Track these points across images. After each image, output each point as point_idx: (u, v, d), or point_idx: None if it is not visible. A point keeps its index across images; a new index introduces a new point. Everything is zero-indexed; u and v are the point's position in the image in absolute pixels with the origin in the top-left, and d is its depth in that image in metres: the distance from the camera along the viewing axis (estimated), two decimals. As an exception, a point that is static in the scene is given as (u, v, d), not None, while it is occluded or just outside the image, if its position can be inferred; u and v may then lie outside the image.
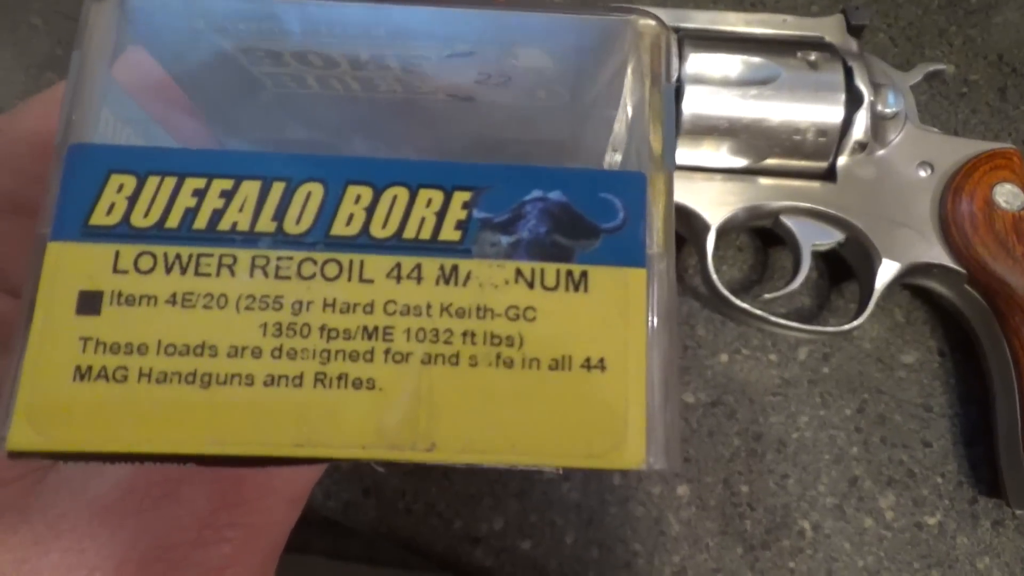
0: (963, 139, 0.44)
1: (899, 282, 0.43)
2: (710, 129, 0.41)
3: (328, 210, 0.16)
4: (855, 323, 0.42)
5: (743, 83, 0.41)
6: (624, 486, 0.41)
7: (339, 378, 0.15)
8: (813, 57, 0.42)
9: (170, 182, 0.16)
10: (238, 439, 0.15)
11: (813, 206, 0.42)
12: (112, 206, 0.15)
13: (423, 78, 0.17)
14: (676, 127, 0.41)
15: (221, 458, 0.15)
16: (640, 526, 0.41)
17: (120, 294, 0.15)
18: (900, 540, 0.41)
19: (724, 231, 0.42)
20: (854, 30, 0.44)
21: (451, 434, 0.15)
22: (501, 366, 0.15)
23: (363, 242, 0.16)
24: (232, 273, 0.15)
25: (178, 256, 0.15)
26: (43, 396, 0.15)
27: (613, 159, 0.17)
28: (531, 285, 0.15)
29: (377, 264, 0.16)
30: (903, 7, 0.53)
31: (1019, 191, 0.42)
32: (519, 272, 0.16)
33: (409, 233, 0.16)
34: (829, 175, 0.42)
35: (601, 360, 0.15)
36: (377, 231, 0.16)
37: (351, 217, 0.16)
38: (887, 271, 0.41)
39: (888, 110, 0.42)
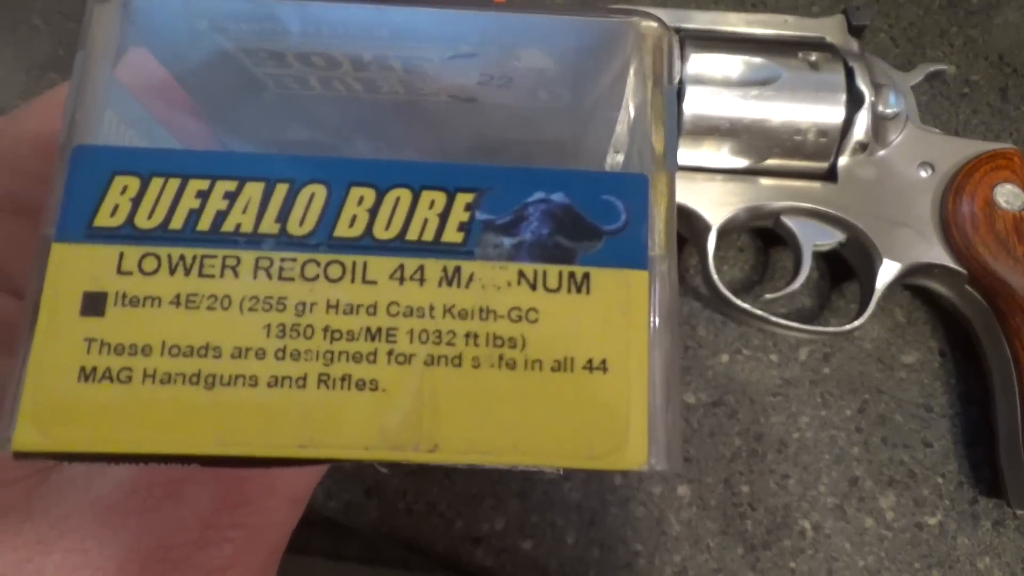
0: (964, 139, 0.44)
1: (900, 282, 0.43)
2: (711, 129, 0.41)
3: (331, 212, 0.16)
4: (856, 323, 0.42)
5: (744, 83, 0.41)
6: (625, 486, 0.41)
7: (342, 379, 0.15)
8: (814, 57, 0.42)
9: (174, 183, 0.16)
10: (242, 440, 0.15)
11: (814, 206, 0.42)
12: (116, 207, 0.15)
13: (425, 79, 0.18)
14: (677, 128, 0.41)
15: (225, 459, 0.15)
16: (641, 526, 0.41)
17: (124, 295, 0.15)
18: (901, 540, 0.41)
19: (725, 231, 0.43)
20: (855, 30, 0.44)
21: (454, 435, 0.15)
22: (503, 367, 0.15)
23: (366, 243, 0.16)
24: (236, 274, 0.15)
25: (182, 257, 0.15)
26: (48, 397, 0.15)
27: (615, 160, 0.17)
28: (533, 287, 0.16)
29: (380, 265, 0.16)
30: (904, 7, 0.53)
31: (1020, 191, 0.42)
32: (521, 274, 0.16)
33: (412, 235, 0.16)
34: (830, 175, 0.42)
35: (603, 361, 0.15)
36: (380, 233, 0.16)
37: (354, 219, 0.16)
38: (888, 271, 0.41)
39: (889, 110, 0.42)
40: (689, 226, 0.43)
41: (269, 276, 0.15)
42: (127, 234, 0.15)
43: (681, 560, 0.40)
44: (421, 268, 0.16)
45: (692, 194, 0.42)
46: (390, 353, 0.15)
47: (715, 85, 0.41)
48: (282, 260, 0.15)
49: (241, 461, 0.15)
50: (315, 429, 0.15)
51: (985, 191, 0.41)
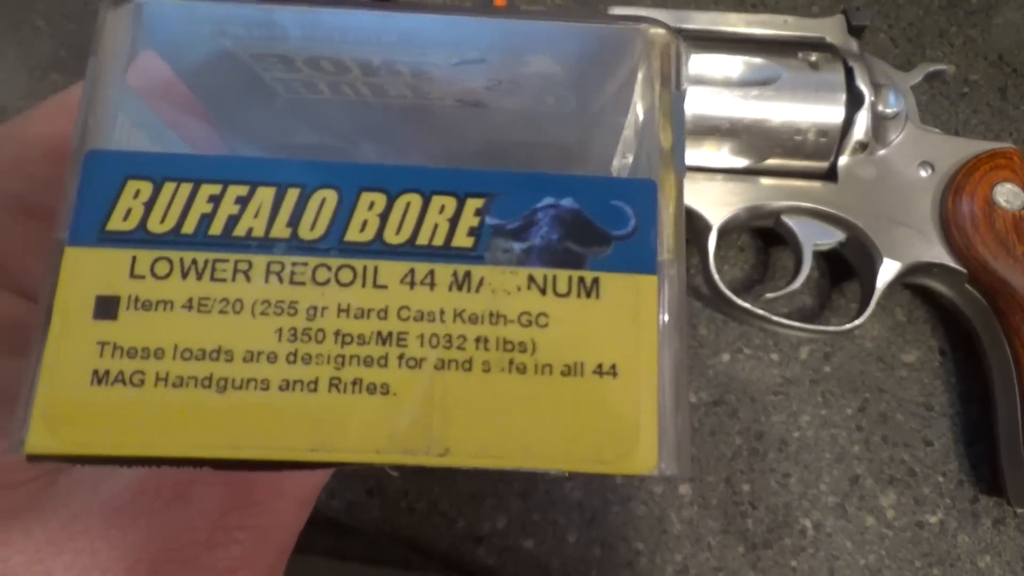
0: (964, 139, 0.44)
1: (900, 281, 0.43)
2: (711, 129, 0.41)
3: (342, 216, 0.16)
4: (856, 322, 0.42)
5: (744, 84, 0.41)
6: (626, 485, 0.41)
7: (353, 383, 0.15)
8: (814, 58, 0.42)
9: (186, 188, 0.16)
10: (253, 443, 0.15)
11: (814, 206, 0.42)
12: (129, 212, 0.16)
13: (433, 84, 0.18)
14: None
15: (236, 462, 0.15)
16: (642, 525, 0.41)
17: (137, 299, 0.15)
18: (901, 539, 0.41)
19: (726, 231, 0.43)
20: (855, 31, 0.44)
21: (464, 439, 0.15)
22: (514, 372, 0.15)
23: (377, 248, 0.16)
24: (248, 278, 0.15)
25: (194, 261, 0.15)
26: (61, 400, 0.15)
27: (622, 165, 0.17)
28: (543, 292, 0.16)
29: (391, 270, 0.16)
30: (904, 8, 0.53)
31: (1019, 191, 0.42)
32: (531, 279, 0.16)
33: (422, 239, 0.16)
34: (830, 175, 0.42)
35: (613, 366, 0.15)
36: (391, 237, 0.16)
37: (365, 223, 0.16)
38: (888, 270, 0.41)
39: (889, 110, 0.42)
40: (690, 226, 0.43)
41: (280, 280, 0.15)
42: (140, 238, 0.15)
43: (682, 559, 0.40)
44: (431, 272, 0.16)
45: (693, 194, 0.42)
46: (401, 357, 0.15)
47: (715, 85, 0.41)
48: (293, 264, 0.16)
49: (252, 464, 0.15)
50: (326, 433, 0.15)
51: (985, 190, 0.42)
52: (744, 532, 0.41)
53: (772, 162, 0.42)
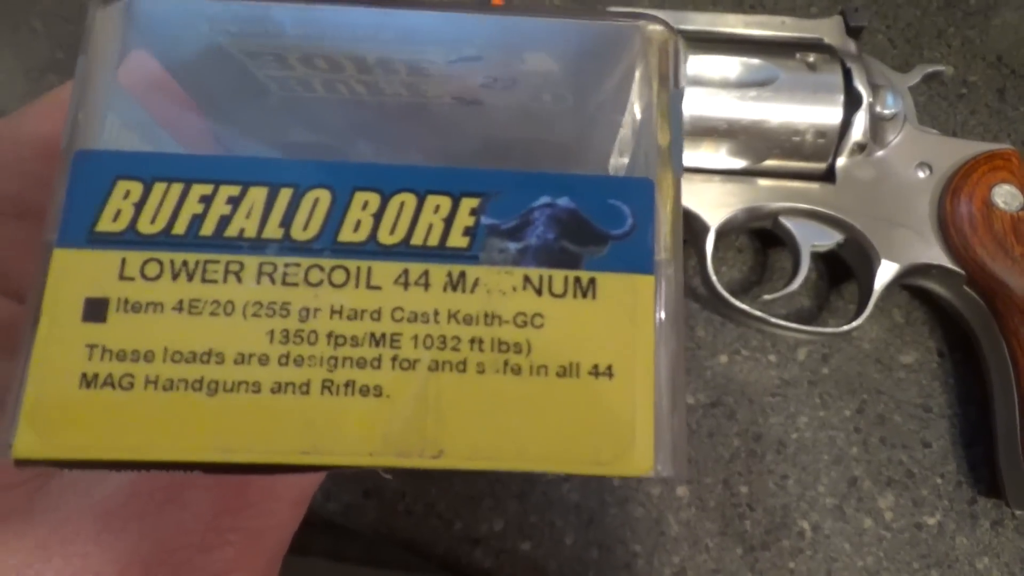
0: (962, 140, 0.44)
1: (898, 283, 0.43)
2: (709, 130, 0.41)
3: (335, 216, 0.16)
4: (854, 324, 0.42)
5: (742, 85, 0.41)
6: (624, 487, 0.41)
7: (346, 385, 0.15)
8: (812, 59, 0.42)
9: (177, 188, 0.16)
10: (245, 447, 0.15)
11: (812, 207, 0.42)
12: (118, 213, 0.15)
13: (429, 82, 0.17)
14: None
15: (227, 465, 0.15)
16: (640, 527, 0.41)
17: (126, 301, 0.15)
18: (899, 540, 0.41)
19: (723, 232, 0.43)
20: (853, 31, 0.44)
21: (458, 441, 0.15)
22: (509, 373, 0.15)
23: (371, 249, 0.16)
24: (239, 280, 0.15)
25: (185, 263, 0.15)
26: (49, 403, 0.15)
27: (619, 163, 0.17)
28: (539, 292, 0.15)
29: (385, 271, 0.15)
30: (902, 9, 0.53)
31: (1017, 192, 0.42)
32: (527, 279, 0.16)
33: (417, 239, 0.16)
34: (828, 176, 0.42)
35: (609, 367, 0.15)
36: (385, 237, 0.16)
37: (358, 223, 0.16)
38: (886, 272, 0.41)
39: (887, 111, 0.42)
40: (687, 227, 0.43)
41: (273, 281, 0.15)
42: (129, 239, 0.15)
43: (680, 561, 0.40)
44: (426, 273, 0.16)
45: (690, 195, 0.42)
46: (394, 359, 0.15)
47: (713, 86, 0.41)
48: (286, 265, 0.15)
49: (244, 468, 0.15)
50: (318, 436, 0.15)
51: (983, 191, 0.41)
52: (742, 534, 0.41)
53: (770, 163, 0.42)
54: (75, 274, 0.15)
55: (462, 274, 0.15)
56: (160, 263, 0.15)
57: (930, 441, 0.43)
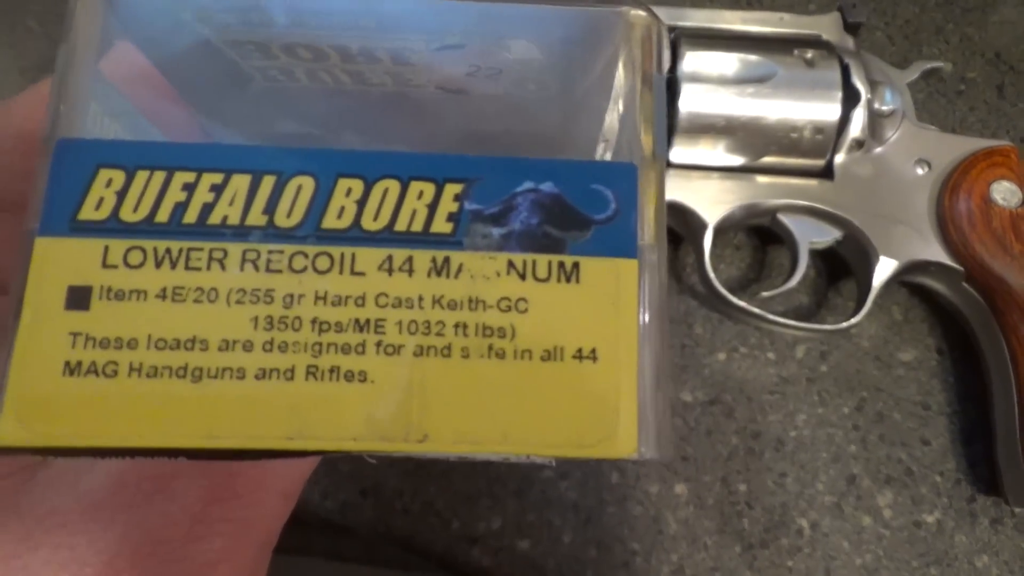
0: (960, 136, 0.44)
1: (897, 280, 0.42)
2: (707, 127, 0.41)
3: (319, 203, 0.16)
4: (853, 321, 0.42)
5: (740, 81, 0.41)
6: (622, 485, 0.41)
7: (331, 371, 0.15)
8: (810, 55, 0.42)
9: (159, 176, 0.16)
10: (229, 433, 0.15)
11: (811, 204, 0.42)
12: (101, 201, 0.15)
13: (413, 70, 0.17)
14: (673, 125, 0.41)
15: (212, 451, 0.15)
16: (638, 525, 0.40)
17: (110, 289, 0.15)
18: (898, 538, 0.41)
19: (721, 229, 0.42)
20: (851, 28, 0.44)
21: (443, 425, 0.15)
22: (493, 357, 0.15)
23: (354, 235, 0.16)
24: (223, 267, 0.15)
25: (168, 250, 0.15)
26: (32, 392, 0.15)
27: (604, 150, 0.17)
28: (523, 276, 0.15)
29: (369, 257, 0.15)
30: (900, 5, 0.53)
31: (1016, 188, 0.41)
32: (511, 264, 0.15)
33: (400, 225, 0.16)
34: (826, 173, 0.42)
35: (593, 351, 0.15)
36: (368, 224, 0.16)
37: (342, 210, 0.16)
38: (885, 269, 0.41)
39: (885, 108, 0.42)
40: (685, 224, 0.43)
41: (256, 268, 0.15)
42: (112, 227, 0.15)
43: (678, 559, 0.40)
44: (410, 259, 0.15)
45: (688, 192, 0.42)
46: (379, 344, 0.15)
47: (711, 83, 0.41)
48: (269, 252, 0.15)
49: (229, 453, 0.15)
50: (303, 421, 0.15)
51: (982, 188, 0.41)
52: (740, 532, 0.41)
53: (768, 160, 0.42)
54: (58, 262, 0.15)
55: (446, 259, 0.15)
56: (143, 251, 0.15)
57: (929, 439, 0.43)
